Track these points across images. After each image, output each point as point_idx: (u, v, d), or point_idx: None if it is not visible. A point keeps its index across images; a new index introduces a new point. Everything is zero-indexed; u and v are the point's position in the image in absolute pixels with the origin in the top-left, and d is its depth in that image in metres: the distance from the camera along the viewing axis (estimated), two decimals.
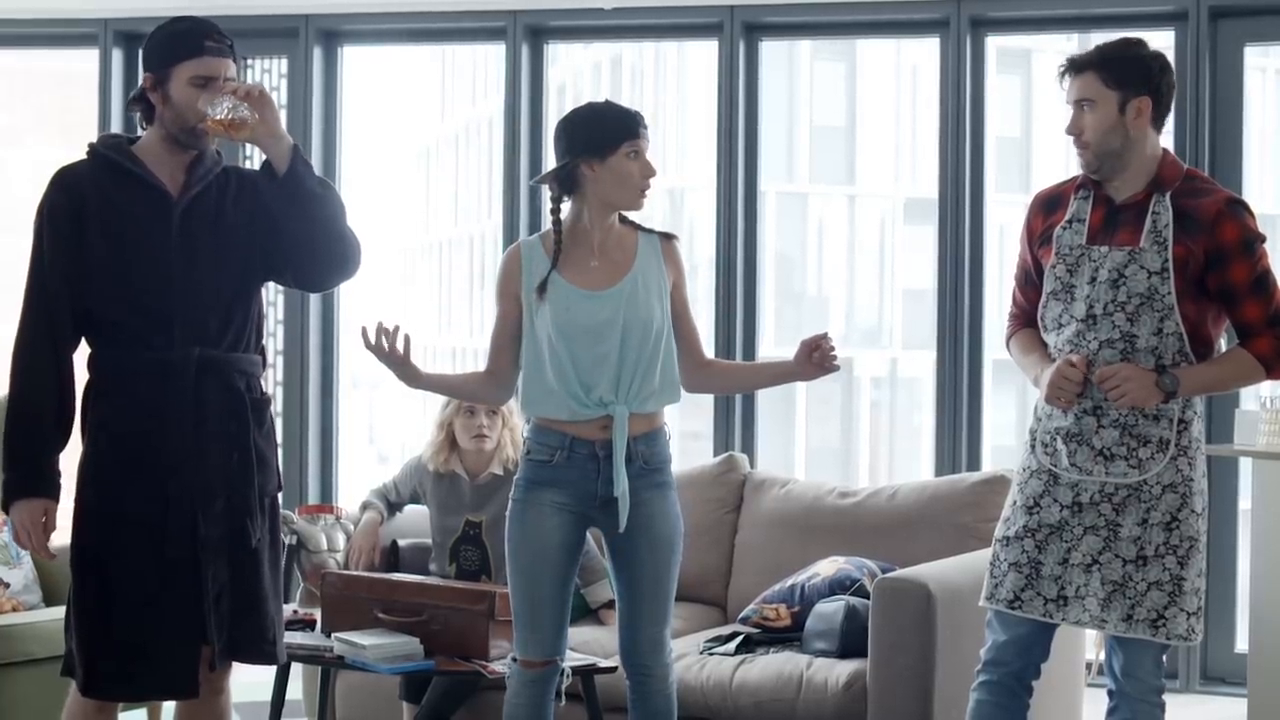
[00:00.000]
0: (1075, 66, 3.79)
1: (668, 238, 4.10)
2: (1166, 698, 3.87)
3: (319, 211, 3.69)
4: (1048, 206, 3.91)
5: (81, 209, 3.68)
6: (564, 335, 3.94)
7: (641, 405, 3.98)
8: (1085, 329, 3.76)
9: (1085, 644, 5.17)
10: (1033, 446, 3.87)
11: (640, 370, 3.96)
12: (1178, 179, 3.77)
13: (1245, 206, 3.78)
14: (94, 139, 3.84)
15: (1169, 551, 3.73)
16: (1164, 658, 3.83)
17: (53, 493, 3.70)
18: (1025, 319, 3.97)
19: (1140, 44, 3.83)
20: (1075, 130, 3.78)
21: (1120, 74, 3.74)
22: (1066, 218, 3.84)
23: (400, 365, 4.02)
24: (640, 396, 3.97)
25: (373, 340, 3.97)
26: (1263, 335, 3.77)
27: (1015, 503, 3.87)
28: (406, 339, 3.98)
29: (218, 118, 3.60)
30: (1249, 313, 3.75)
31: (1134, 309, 3.71)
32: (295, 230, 3.70)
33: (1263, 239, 3.77)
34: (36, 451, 3.69)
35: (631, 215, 4.07)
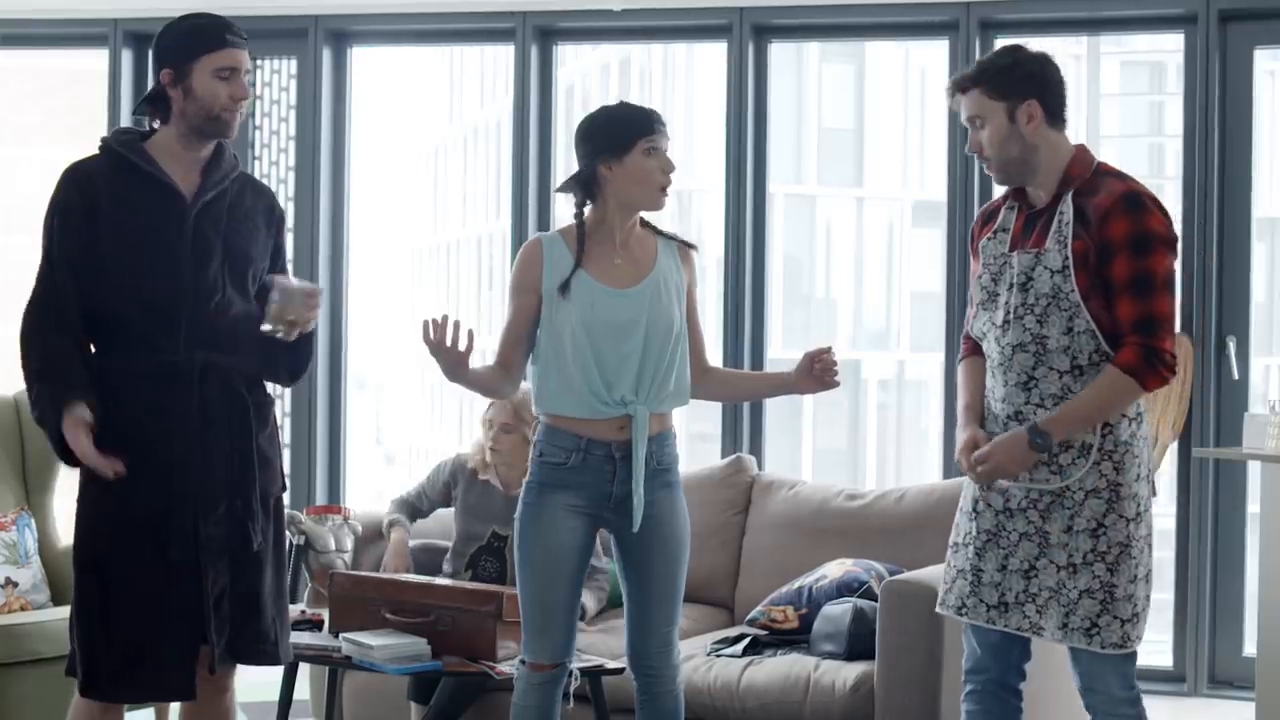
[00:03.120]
0: (959, 87, 3.77)
1: (685, 245, 4.10)
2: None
3: (298, 365, 3.91)
4: (985, 220, 3.90)
5: (95, 206, 3.66)
6: (589, 332, 3.93)
7: (657, 406, 3.98)
8: (1002, 334, 3.74)
9: None
10: None
11: (661, 371, 3.97)
12: (1083, 175, 3.72)
13: (1147, 202, 3.65)
14: (106, 133, 3.82)
15: (1097, 559, 3.66)
16: (1129, 669, 3.73)
17: (90, 395, 3.63)
18: (974, 340, 3.94)
19: (1018, 49, 3.78)
20: (974, 148, 3.77)
21: (1001, 84, 3.71)
22: (994, 228, 3.83)
23: (455, 361, 3.95)
24: (658, 398, 3.97)
25: (433, 336, 3.91)
26: (1129, 343, 3.63)
27: (962, 508, 3.87)
28: (470, 334, 3.95)
29: (289, 317, 3.73)
30: (1121, 311, 3.64)
31: (1042, 310, 3.67)
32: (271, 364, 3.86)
33: (1165, 240, 3.65)
34: (65, 369, 3.64)
35: (650, 218, 4.08)
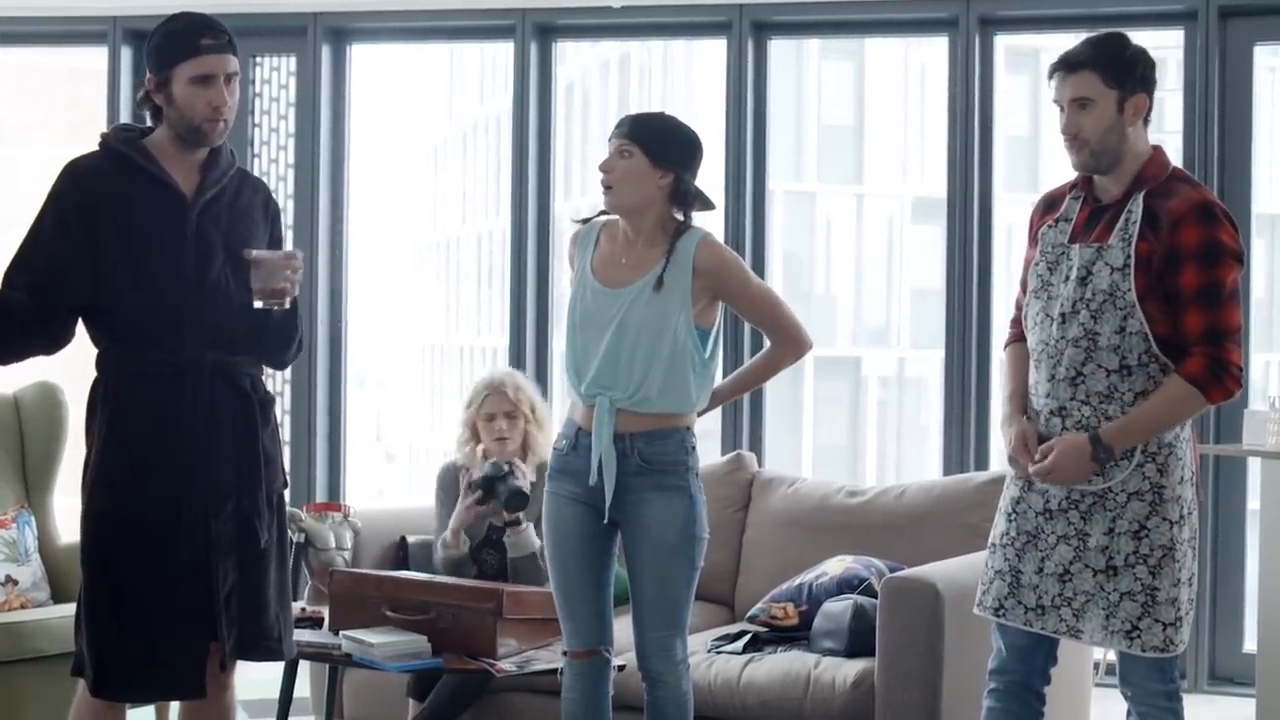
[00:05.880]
0: (1070, 65, 3.70)
1: (705, 242, 4.02)
2: None
3: (287, 345, 3.86)
4: (1047, 206, 3.87)
5: (93, 204, 3.64)
6: (575, 323, 4.04)
7: (636, 405, 3.99)
8: (1054, 327, 3.72)
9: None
10: None
11: (635, 369, 3.98)
12: (1159, 178, 3.70)
13: (1219, 215, 3.63)
14: (106, 130, 3.80)
15: (1139, 561, 3.64)
16: (1169, 664, 3.73)
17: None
18: (1022, 326, 3.93)
19: (1128, 40, 3.75)
20: (1072, 130, 3.71)
21: (1119, 72, 3.68)
22: (1056, 216, 3.80)
23: None
24: (635, 397, 3.99)
25: None
26: (1196, 354, 3.60)
27: (1001, 507, 3.86)
28: None
29: (274, 287, 3.68)
30: (1189, 322, 3.61)
31: (1098, 306, 3.65)
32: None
33: (1234, 254, 3.63)
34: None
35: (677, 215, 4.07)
